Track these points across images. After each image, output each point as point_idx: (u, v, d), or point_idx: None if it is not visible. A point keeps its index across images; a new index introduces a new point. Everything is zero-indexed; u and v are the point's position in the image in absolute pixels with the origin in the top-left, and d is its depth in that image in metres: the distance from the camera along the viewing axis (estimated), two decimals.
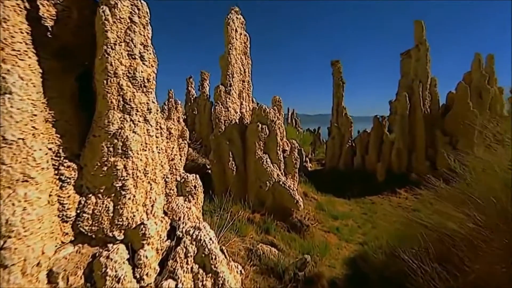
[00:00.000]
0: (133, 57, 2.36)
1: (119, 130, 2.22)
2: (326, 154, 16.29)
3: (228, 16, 8.50)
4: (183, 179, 3.27)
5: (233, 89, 8.34)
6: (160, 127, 2.98)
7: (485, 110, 12.87)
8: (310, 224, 7.51)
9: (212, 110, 8.18)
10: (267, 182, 7.75)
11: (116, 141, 2.20)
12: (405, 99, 13.24)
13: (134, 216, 2.28)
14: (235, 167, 7.93)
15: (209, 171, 9.51)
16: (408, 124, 13.32)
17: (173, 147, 4.11)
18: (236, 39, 8.59)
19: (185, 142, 5.43)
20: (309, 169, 15.98)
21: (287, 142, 9.02)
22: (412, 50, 14.19)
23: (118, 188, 2.22)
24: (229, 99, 8.23)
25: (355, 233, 7.68)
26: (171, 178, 3.09)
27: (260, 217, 7.29)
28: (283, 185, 7.74)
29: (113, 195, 2.22)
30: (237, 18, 8.71)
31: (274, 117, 8.42)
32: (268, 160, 7.96)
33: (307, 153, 19.35)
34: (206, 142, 12.10)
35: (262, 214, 7.40)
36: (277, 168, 8.15)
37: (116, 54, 2.23)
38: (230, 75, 8.30)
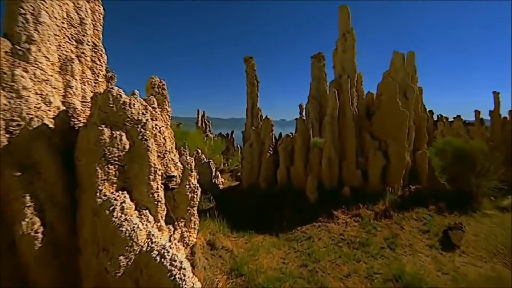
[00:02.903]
0: None
1: None
2: (242, 165, 12.79)
3: None
4: None
5: (39, 49, 3.68)
6: None
7: (411, 111, 11.72)
8: None
9: None
10: (123, 255, 3.43)
11: None
12: (335, 96, 10.92)
13: None
14: (42, 228, 3.32)
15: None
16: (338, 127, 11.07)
17: None
18: None
19: None
20: (221, 187, 12.14)
21: (175, 161, 4.89)
22: (338, 40, 12.12)
23: None
24: (27, 72, 3.55)
25: None
26: None
27: None
28: (160, 258, 3.54)
29: None
30: None
31: (144, 115, 4.17)
32: (129, 203, 3.67)
33: (219, 165, 15.51)
34: None
35: None
36: (149, 218, 3.93)
37: None
38: (30, 16, 3.63)
